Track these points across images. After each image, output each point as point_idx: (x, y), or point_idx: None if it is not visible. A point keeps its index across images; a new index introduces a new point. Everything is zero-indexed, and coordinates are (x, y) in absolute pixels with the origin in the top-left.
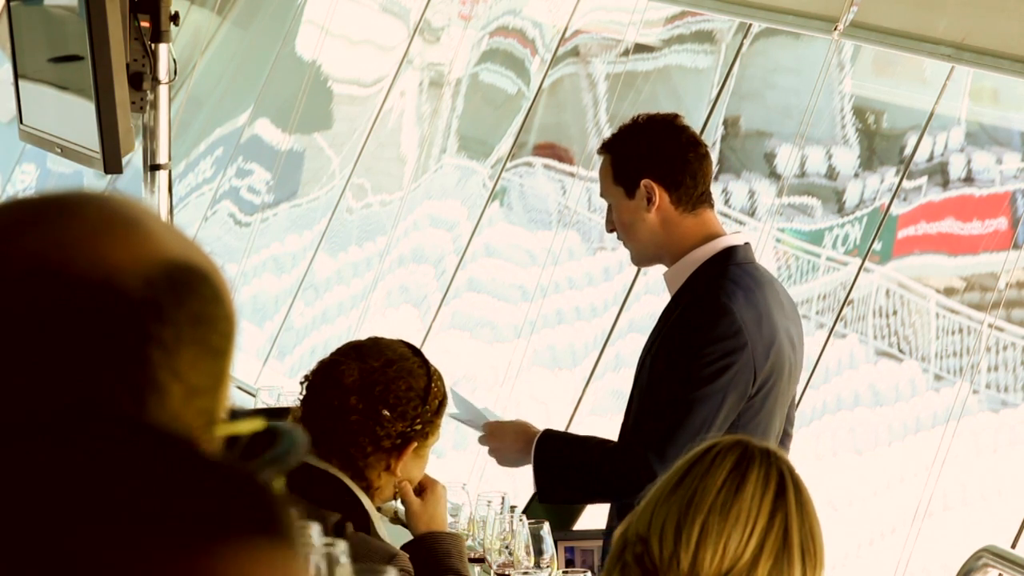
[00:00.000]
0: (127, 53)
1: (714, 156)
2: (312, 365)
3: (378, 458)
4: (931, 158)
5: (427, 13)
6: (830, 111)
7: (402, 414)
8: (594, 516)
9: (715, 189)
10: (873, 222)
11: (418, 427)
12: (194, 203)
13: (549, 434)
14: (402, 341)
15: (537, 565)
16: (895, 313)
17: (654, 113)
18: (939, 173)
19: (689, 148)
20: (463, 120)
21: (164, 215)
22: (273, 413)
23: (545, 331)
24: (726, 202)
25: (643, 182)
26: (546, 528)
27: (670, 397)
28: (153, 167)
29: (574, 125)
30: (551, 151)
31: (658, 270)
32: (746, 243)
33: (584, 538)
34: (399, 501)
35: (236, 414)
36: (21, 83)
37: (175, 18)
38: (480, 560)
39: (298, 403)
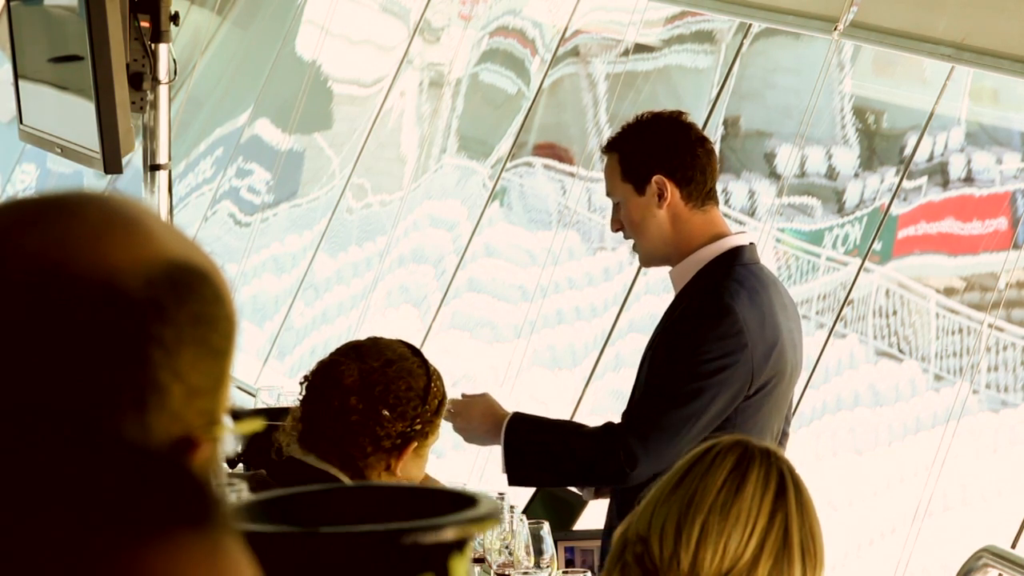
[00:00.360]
0: (127, 53)
1: None
2: (312, 365)
3: (378, 458)
4: (931, 158)
5: (427, 13)
6: (830, 111)
7: (402, 414)
8: (594, 516)
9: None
10: (873, 222)
11: (418, 427)
12: (194, 203)
13: (520, 416)
14: (401, 341)
15: (537, 565)
16: (895, 313)
17: (659, 111)
18: (939, 173)
19: (698, 144)
20: (463, 120)
21: (164, 215)
22: (273, 413)
23: (545, 331)
24: (726, 202)
25: (654, 178)
26: (546, 528)
27: (663, 388)
28: (153, 167)
29: (574, 125)
30: (551, 151)
31: (659, 271)
32: (751, 243)
33: (584, 538)
34: None
35: (236, 414)
36: (21, 83)
37: (175, 18)
38: (480, 560)
39: (298, 403)
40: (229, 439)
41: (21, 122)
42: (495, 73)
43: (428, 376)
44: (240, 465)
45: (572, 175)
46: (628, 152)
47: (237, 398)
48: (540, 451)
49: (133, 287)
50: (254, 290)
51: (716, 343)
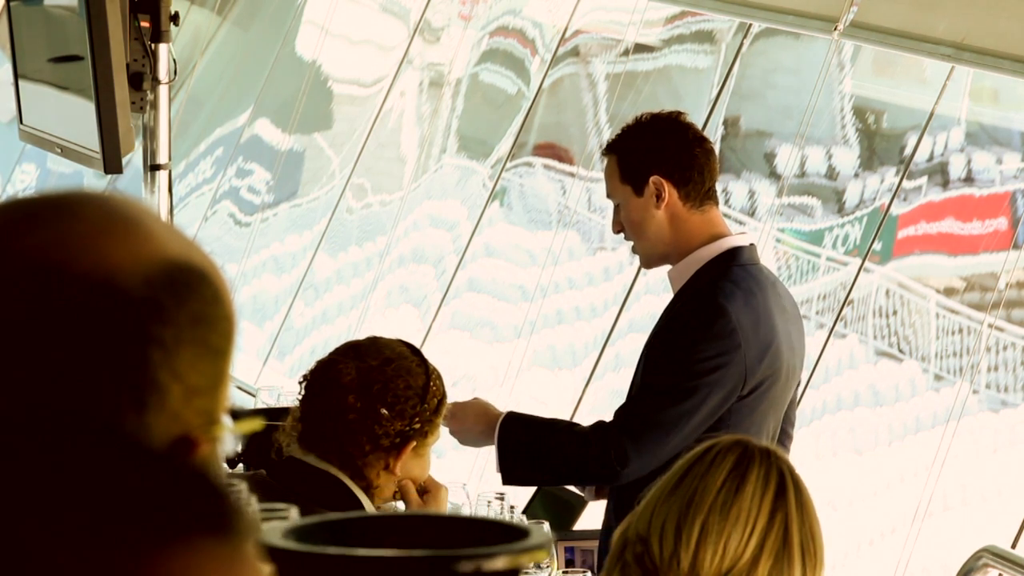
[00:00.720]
0: (127, 53)
1: None
2: (312, 365)
3: (377, 457)
4: (931, 158)
5: (427, 13)
6: (830, 111)
7: (400, 413)
8: (594, 516)
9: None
10: (873, 222)
11: (417, 426)
12: (194, 203)
13: (513, 416)
14: (400, 340)
15: (537, 565)
16: (895, 313)
17: (657, 112)
18: (939, 173)
19: (696, 144)
20: (463, 120)
21: (164, 215)
22: (273, 413)
23: (545, 331)
24: (726, 202)
25: (652, 179)
26: (546, 528)
27: (655, 387)
28: (153, 167)
29: (574, 125)
30: (551, 151)
31: (658, 270)
32: (751, 244)
33: (584, 538)
34: (400, 502)
35: (236, 414)
36: (21, 83)
37: (175, 18)
38: None
39: (297, 403)
40: (228, 439)
41: (21, 122)
42: (495, 73)
43: (427, 375)
44: (240, 465)
45: (572, 175)
46: (626, 153)
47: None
48: (533, 450)
49: (132, 286)
50: (254, 290)
51: (709, 343)
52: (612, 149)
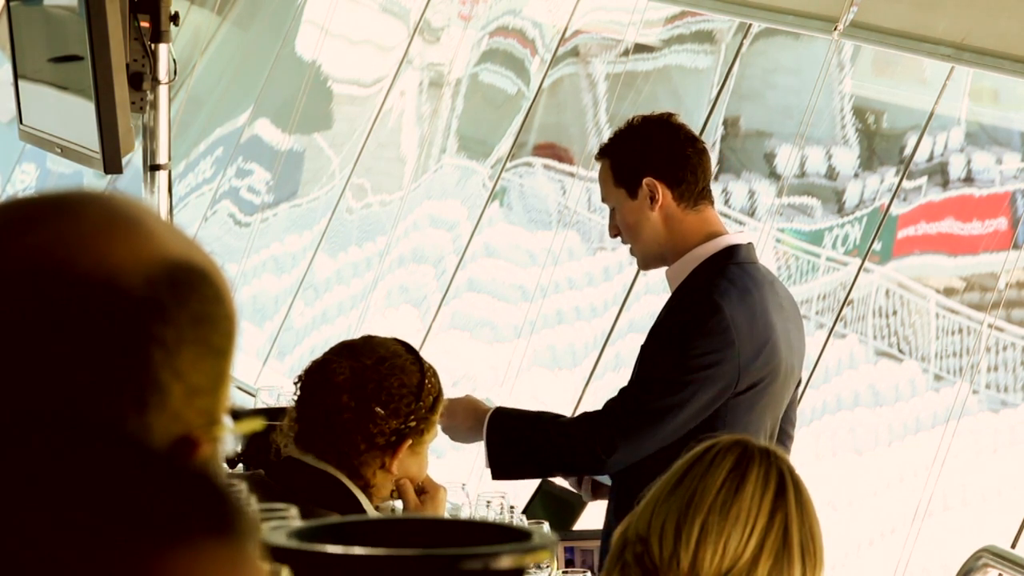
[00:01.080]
0: (127, 53)
1: (714, 156)
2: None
3: (372, 456)
4: (931, 158)
5: (427, 13)
6: (830, 111)
7: (395, 411)
8: (594, 516)
9: (715, 189)
10: (873, 222)
11: (412, 424)
12: (194, 203)
13: (501, 411)
14: (396, 339)
15: (537, 565)
16: (895, 313)
17: (648, 114)
18: (939, 173)
19: (687, 144)
20: (463, 120)
21: (164, 215)
22: (272, 413)
23: (545, 331)
24: (726, 202)
25: (645, 181)
26: (546, 528)
27: (644, 379)
28: (153, 167)
29: (574, 125)
30: (551, 151)
31: (658, 271)
32: (749, 243)
33: (584, 538)
34: (398, 500)
35: (236, 414)
36: (21, 83)
37: (175, 18)
38: None
39: (293, 403)
40: (229, 439)
41: (21, 122)
42: (495, 73)
43: (422, 373)
44: (240, 465)
45: (572, 175)
46: (618, 157)
47: (237, 398)
48: (521, 444)
49: (133, 286)
50: (254, 290)
51: (703, 339)
52: (605, 153)
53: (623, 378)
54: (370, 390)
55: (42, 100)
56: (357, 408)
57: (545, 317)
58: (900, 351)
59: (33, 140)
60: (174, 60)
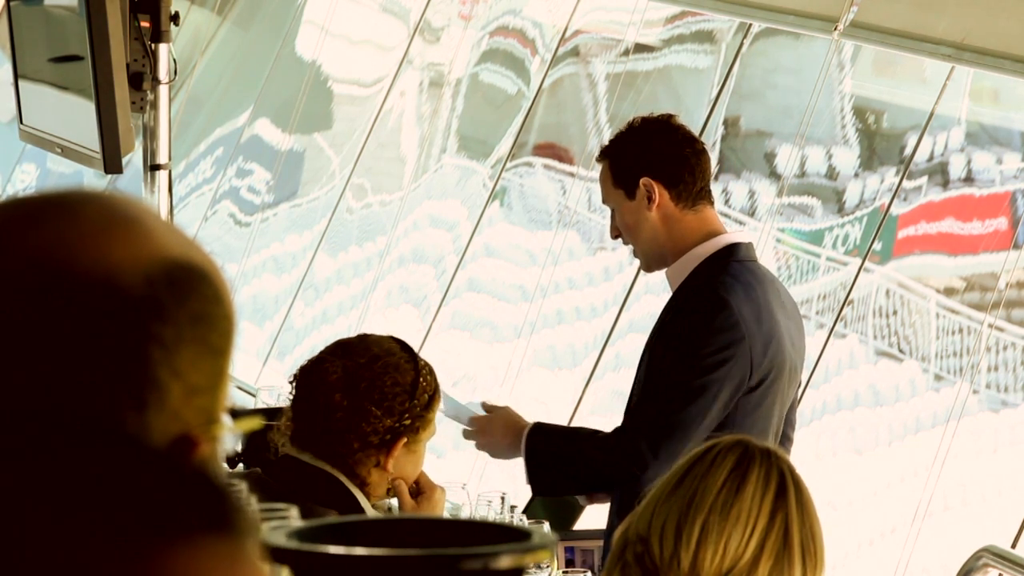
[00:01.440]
0: (127, 53)
1: (714, 156)
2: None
3: (367, 454)
4: (931, 158)
5: (427, 13)
6: (830, 111)
7: (389, 409)
8: (594, 516)
9: (715, 189)
10: (873, 222)
11: (407, 422)
12: (194, 203)
13: (539, 427)
14: (391, 337)
15: (538, 565)
16: (895, 313)
17: (647, 115)
18: (939, 173)
19: (685, 144)
20: (463, 120)
21: (164, 215)
22: (271, 412)
23: (545, 331)
24: (726, 202)
25: (642, 181)
26: (546, 528)
27: (665, 387)
28: (153, 167)
29: (574, 125)
30: (551, 151)
31: (659, 271)
32: (749, 242)
33: (584, 538)
34: (394, 499)
35: (236, 414)
36: (21, 83)
37: (175, 18)
38: None
39: (288, 403)
40: (228, 438)
41: (21, 122)
42: (495, 73)
43: (416, 371)
44: (240, 465)
45: (572, 175)
46: (617, 158)
47: (237, 398)
48: (558, 460)
49: (133, 285)
50: (254, 290)
51: (714, 337)
52: (604, 155)
53: (623, 378)
54: (363, 389)
55: (42, 100)
56: (350, 407)
57: (545, 317)
58: (900, 351)
59: (33, 140)
60: (174, 60)
